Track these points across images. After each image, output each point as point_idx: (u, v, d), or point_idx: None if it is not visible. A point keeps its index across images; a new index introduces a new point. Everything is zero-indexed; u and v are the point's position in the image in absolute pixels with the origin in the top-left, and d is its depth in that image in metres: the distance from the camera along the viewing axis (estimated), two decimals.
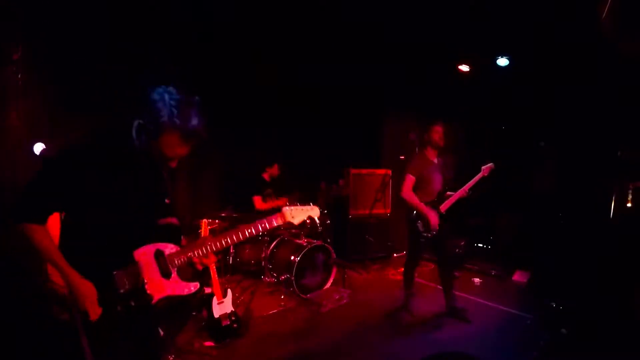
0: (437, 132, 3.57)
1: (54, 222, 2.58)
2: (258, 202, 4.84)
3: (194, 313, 3.58)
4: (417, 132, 5.59)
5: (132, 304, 1.56)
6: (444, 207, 3.57)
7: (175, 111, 1.50)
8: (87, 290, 1.49)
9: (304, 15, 4.24)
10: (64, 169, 1.50)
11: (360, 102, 5.94)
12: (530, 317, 3.70)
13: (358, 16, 4.26)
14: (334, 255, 4.38)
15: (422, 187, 3.57)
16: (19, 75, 3.04)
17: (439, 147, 3.62)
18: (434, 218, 3.48)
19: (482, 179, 3.58)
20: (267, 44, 4.74)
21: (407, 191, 3.54)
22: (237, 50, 4.71)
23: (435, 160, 3.66)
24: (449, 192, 3.64)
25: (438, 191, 3.62)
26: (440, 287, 3.91)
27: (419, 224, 3.54)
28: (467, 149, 5.32)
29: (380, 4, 4.01)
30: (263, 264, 4.38)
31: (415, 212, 3.56)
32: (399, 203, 5.65)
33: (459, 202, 3.62)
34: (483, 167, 3.58)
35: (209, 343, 3.19)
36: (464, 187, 3.58)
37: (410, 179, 3.55)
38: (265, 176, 4.98)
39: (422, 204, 3.50)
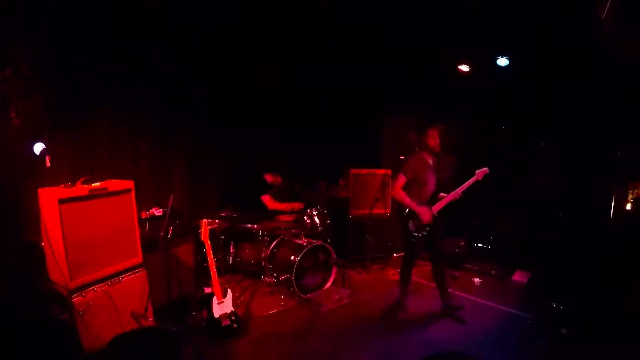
0: (433, 138, 3.57)
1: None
2: (269, 202, 4.83)
3: (194, 313, 3.59)
4: (415, 132, 5.60)
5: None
6: (435, 208, 3.60)
7: None
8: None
9: (304, 15, 4.24)
10: None
11: (360, 102, 5.94)
12: (530, 317, 3.71)
13: (358, 16, 4.25)
14: (334, 255, 4.38)
15: (416, 189, 3.59)
16: (19, 76, 3.04)
17: (434, 153, 3.62)
18: (426, 214, 3.51)
19: (476, 182, 3.58)
20: (267, 44, 4.74)
21: (398, 190, 3.58)
22: (237, 50, 4.71)
23: (431, 162, 3.65)
24: (442, 194, 3.64)
25: (432, 193, 3.63)
26: None
27: (410, 224, 3.57)
28: (467, 149, 5.31)
29: (380, 4, 4.01)
30: (263, 264, 4.38)
31: (406, 211, 3.58)
32: (396, 203, 5.68)
33: (453, 203, 3.62)
34: (477, 172, 3.58)
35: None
36: (457, 190, 3.58)
37: (402, 179, 3.58)
38: (268, 178, 4.98)
39: (412, 202, 3.53)
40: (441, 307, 3.80)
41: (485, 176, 3.58)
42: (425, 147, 3.62)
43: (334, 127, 5.86)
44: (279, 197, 5.04)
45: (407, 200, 3.54)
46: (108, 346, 2.32)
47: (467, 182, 3.59)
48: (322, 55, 5.09)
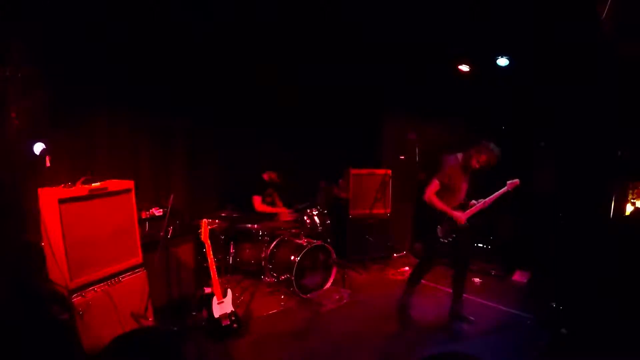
0: (478, 162, 3.42)
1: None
2: (257, 203, 4.84)
3: (194, 313, 3.59)
4: (418, 132, 5.60)
5: None
6: (465, 216, 3.56)
7: None
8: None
9: (303, 15, 4.24)
10: None
11: (360, 102, 5.93)
12: (530, 317, 3.71)
13: (358, 16, 4.25)
14: (334, 255, 4.38)
15: (447, 195, 3.53)
16: (19, 76, 3.04)
17: (468, 169, 3.54)
18: (460, 215, 3.48)
19: (507, 193, 3.54)
20: (267, 44, 4.74)
21: (430, 194, 3.51)
22: (237, 50, 4.70)
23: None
24: (472, 202, 3.62)
25: (461, 200, 3.61)
26: (440, 287, 3.92)
27: (439, 229, 3.54)
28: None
29: (380, 4, 4.01)
30: (263, 264, 4.38)
31: (437, 215, 3.53)
32: (399, 204, 5.68)
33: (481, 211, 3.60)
34: (508, 182, 3.54)
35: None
36: (487, 199, 3.56)
37: (435, 184, 3.51)
38: (265, 177, 4.98)
39: (445, 205, 3.48)
40: (444, 308, 3.78)
41: (516, 187, 3.53)
42: (466, 159, 3.50)
43: (334, 127, 5.86)
44: (270, 198, 5.04)
45: (440, 204, 3.48)
46: (109, 346, 2.32)
47: (498, 192, 3.54)
48: (322, 55, 5.09)
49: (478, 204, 3.58)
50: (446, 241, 3.55)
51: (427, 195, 3.53)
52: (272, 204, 5.04)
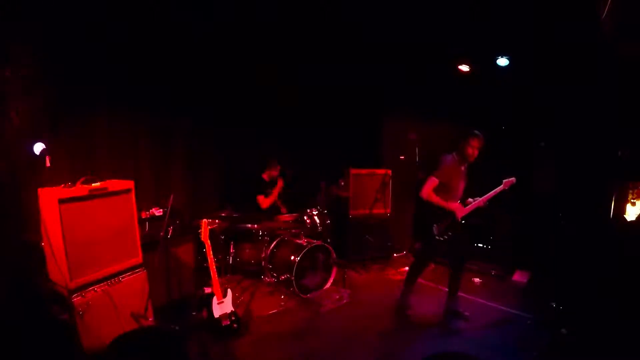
0: (472, 147, 3.49)
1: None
2: (263, 201, 4.86)
3: (194, 313, 3.59)
4: (418, 132, 5.60)
5: None
6: (464, 211, 3.57)
7: None
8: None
9: (303, 15, 4.24)
10: None
11: (360, 102, 5.93)
12: (530, 317, 3.71)
13: (358, 16, 4.26)
14: (334, 255, 4.38)
15: (445, 193, 3.55)
16: (19, 76, 3.04)
17: (467, 161, 3.58)
18: (458, 207, 3.51)
19: (502, 192, 3.57)
20: (267, 44, 4.74)
21: (428, 191, 3.53)
22: (237, 50, 4.71)
23: (463, 168, 3.63)
24: (469, 200, 3.64)
25: (459, 198, 3.62)
26: (440, 287, 3.92)
27: (435, 228, 3.54)
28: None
29: (380, 4, 4.01)
30: (263, 264, 4.38)
31: (434, 210, 3.54)
32: (399, 204, 5.68)
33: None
34: (505, 181, 3.57)
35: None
36: (484, 197, 3.58)
37: (433, 181, 3.53)
38: (265, 176, 4.99)
39: (442, 200, 3.50)
40: (444, 309, 3.79)
41: (512, 186, 3.56)
42: (461, 153, 3.55)
43: (334, 127, 5.86)
44: (269, 190, 5.05)
45: (437, 199, 3.51)
46: (110, 346, 2.32)
47: (494, 190, 3.57)
48: (322, 56, 5.09)
49: (475, 202, 3.60)
50: (442, 239, 3.56)
51: (425, 192, 3.54)
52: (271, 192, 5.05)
